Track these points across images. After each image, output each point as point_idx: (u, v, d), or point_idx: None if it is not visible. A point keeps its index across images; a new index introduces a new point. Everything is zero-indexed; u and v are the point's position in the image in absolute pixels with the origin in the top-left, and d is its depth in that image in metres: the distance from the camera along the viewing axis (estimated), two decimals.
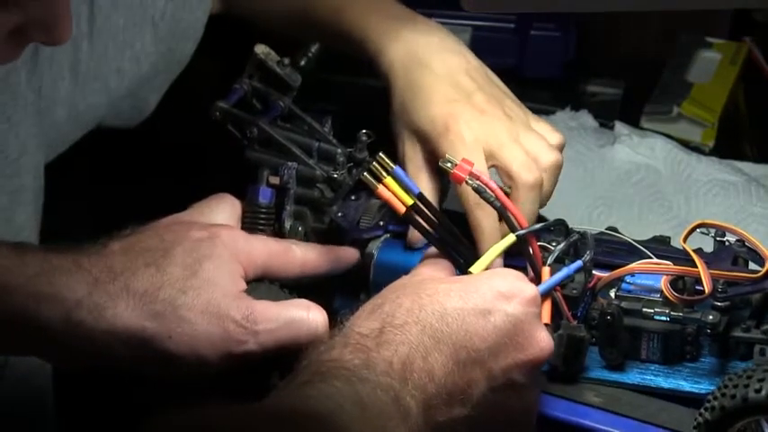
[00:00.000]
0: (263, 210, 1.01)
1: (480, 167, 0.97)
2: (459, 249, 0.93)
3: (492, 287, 0.87)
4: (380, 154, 0.89)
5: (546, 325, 0.90)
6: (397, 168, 0.89)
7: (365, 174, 0.88)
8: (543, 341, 0.87)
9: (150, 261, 0.90)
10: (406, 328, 0.83)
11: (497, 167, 1.01)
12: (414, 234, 1.01)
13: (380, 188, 0.88)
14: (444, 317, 0.84)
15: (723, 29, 1.66)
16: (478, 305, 0.85)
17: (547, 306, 0.91)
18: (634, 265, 0.95)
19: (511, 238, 0.91)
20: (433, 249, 0.96)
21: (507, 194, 0.97)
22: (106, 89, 1.11)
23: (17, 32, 0.78)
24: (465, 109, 1.03)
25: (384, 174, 0.88)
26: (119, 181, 1.63)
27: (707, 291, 0.91)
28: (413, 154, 1.03)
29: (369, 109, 1.03)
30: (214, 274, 0.91)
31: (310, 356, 0.82)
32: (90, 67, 1.08)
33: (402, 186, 0.89)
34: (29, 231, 1.11)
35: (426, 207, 0.91)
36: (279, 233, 1.02)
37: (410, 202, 0.89)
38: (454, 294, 0.86)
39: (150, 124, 1.21)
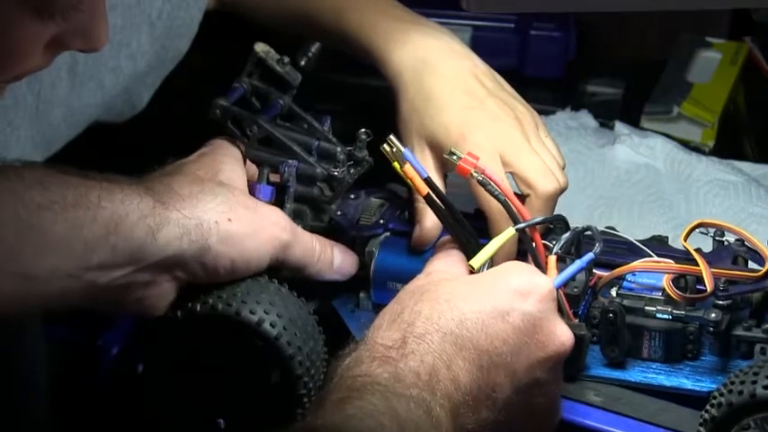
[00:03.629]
0: None
1: (499, 174, 0.97)
2: (468, 235, 0.93)
3: (508, 286, 0.86)
4: (391, 137, 0.88)
5: None
6: (406, 151, 0.88)
7: (384, 146, 0.87)
8: (563, 335, 0.87)
9: None
10: (427, 337, 0.83)
11: (514, 174, 1.01)
12: (422, 234, 1.00)
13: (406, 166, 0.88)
14: (464, 322, 0.84)
15: (723, 29, 1.66)
16: (496, 307, 0.85)
17: None
18: (636, 264, 0.95)
19: (510, 231, 0.91)
20: (442, 241, 0.96)
21: (521, 197, 0.97)
22: (101, 88, 1.10)
23: (55, 41, 0.79)
24: (479, 116, 1.02)
25: (394, 156, 0.88)
26: None
27: (709, 289, 0.92)
28: (422, 159, 1.02)
29: (369, 109, 1.03)
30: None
31: (337, 371, 0.82)
32: (87, 68, 1.08)
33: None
34: None
35: (435, 193, 0.91)
36: None
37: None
38: (471, 297, 0.86)
39: (145, 121, 1.21)
